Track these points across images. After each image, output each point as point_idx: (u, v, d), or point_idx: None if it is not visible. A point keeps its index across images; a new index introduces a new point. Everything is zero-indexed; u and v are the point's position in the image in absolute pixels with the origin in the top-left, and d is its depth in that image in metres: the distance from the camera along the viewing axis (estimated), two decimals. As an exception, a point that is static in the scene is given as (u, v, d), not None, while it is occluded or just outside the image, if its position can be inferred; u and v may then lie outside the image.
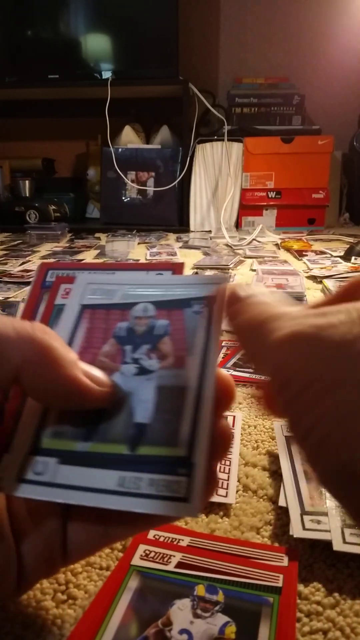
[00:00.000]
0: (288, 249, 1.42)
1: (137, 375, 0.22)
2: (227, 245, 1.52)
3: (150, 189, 1.90)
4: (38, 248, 1.50)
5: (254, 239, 1.61)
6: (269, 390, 0.19)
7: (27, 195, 2.08)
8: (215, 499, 0.34)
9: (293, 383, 0.16)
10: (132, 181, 1.90)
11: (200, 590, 0.26)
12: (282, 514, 0.33)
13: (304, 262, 1.19)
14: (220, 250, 1.41)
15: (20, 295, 0.92)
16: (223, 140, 1.86)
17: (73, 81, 1.90)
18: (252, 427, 0.44)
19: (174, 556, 0.28)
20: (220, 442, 0.21)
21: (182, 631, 0.24)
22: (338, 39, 2.06)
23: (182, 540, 0.30)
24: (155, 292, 0.24)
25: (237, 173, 1.89)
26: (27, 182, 2.08)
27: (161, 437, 0.20)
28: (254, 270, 1.11)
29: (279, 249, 1.48)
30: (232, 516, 0.33)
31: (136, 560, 0.28)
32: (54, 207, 1.93)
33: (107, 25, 1.91)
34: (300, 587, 0.27)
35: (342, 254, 1.27)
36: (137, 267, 0.27)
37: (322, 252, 1.33)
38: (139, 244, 1.55)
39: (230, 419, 0.45)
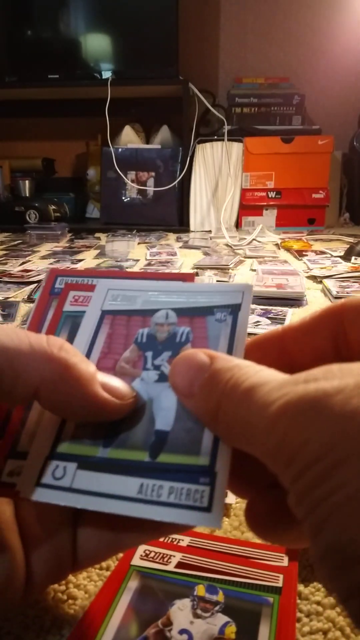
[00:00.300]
0: (288, 249, 1.42)
1: (158, 382, 0.22)
2: (227, 245, 1.52)
3: (150, 189, 1.90)
4: (38, 248, 1.50)
5: (254, 239, 1.61)
6: (269, 473, 0.17)
7: (27, 195, 2.08)
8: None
9: (299, 458, 0.15)
10: (132, 181, 1.90)
11: (200, 590, 0.26)
12: (282, 514, 0.33)
13: (304, 262, 1.19)
14: (220, 250, 1.41)
15: (20, 295, 0.92)
16: (223, 140, 1.86)
17: (73, 81, 1.90)
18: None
19: (174, 556, 0.28)
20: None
21: (182, 631, 0.24)
22: (338, 39, 2.06)
23: (182, 540, 0.30)
24: (177, 299, 0.24)
25: (237, 173, 1.89)
26: (27, 182, 2.08)
27: (183, 446, 0.20)
28: (254, 270, 1.11)
29: (279, 249, 1.48)
30: (232, 516, 0.33)
31: (136, 560, 0.28)
32: (54, 207, 1.93)
33: (107, 25, 1.91)
34: (300, 587, 0.27)
35: (342, 254, 1.27)
36: (148, 276, 0.27)
37: (322, 252, 1.33)
38: (139, 244, 1.55)
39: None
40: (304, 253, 1.32)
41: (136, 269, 1.17)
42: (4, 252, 1.44)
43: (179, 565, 0.28)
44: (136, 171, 1.90)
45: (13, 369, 0.19)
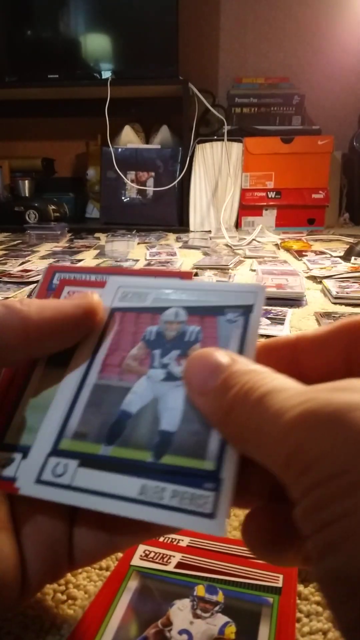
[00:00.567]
0: (288, 249, 1.42)
1: (164, 381, 0.22)
2: (227, 245, 1.51)
3: (150, 189, 1.90)
4: (38, 248, 1.50)
5: (253, 239, 1.61)
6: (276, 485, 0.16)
7: (27, 195, 2.08)
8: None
9: (314, 471, 0.14)
10: (132, 181, 1.90)
11: (200, 590, 0.26)
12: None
13: (304, 263, 1.19)
14: (220, 250, 1.41)
15: (20, 295, 0.92)
16: (223, 140, 1.86)
17: (73, 81, 1.90)
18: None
19: (174, 556, 0.28)
20: None
21: (182, 631, 0.24)
22: (338, 39, 2.06)
23: (182, 540, 0.30)
24: (188, 297, 0.24)
25: (237, 173, 1.89)
26: (26, 182, 2.08)
27: (188, 448, 0.20)
28: (254, 271, 1.11)
29: (279, 249, 1.48)
30: (232, 516, 0.33)
31: (136, 561, 0.28)
32: (53, 207, 1.93)
33: (107, 25, 1.91)
34: (300, 587, 0.27)
35: (342, 254, 1.27)
36: (144, 273, 0.27)
37: (322, 253, 1.33)
38: (138, 244, 1.55)
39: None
40: (303, 253, 1.32)
41: (136, 269, 1.17)
42: (4, 252, 1.44)
43: (179, 565, 0.28)
44: (136, 171, 1.90)
45: None
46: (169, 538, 0.30)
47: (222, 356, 0.19)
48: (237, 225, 1.93)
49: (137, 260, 1.26)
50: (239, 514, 0.33)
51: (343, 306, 0.83)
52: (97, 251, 1.42)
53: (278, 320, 0.74)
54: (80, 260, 1.28)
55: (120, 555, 0.29)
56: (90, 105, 1.87)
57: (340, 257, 1.24)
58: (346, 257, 1.22)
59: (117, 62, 1.92)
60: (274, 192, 1.91)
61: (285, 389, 0.16)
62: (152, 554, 0.28)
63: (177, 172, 1.87)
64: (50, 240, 1.64)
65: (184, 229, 1.89)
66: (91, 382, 0.23)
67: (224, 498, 0.18)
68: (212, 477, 0.19)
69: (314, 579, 0.15)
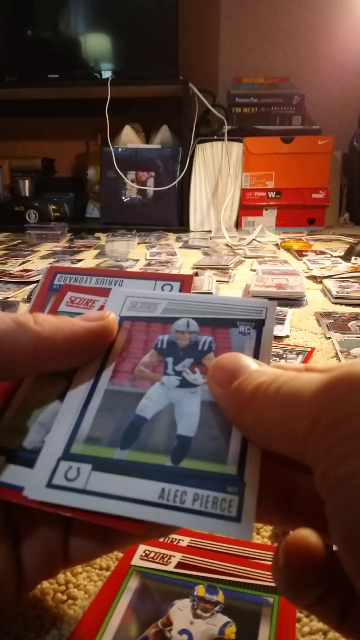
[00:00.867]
0: (288, 249, 1.42)
1: (179, 388, 0.22)
2: (227, 245, 1.51)
3: (150, 188, 1.90)
4: (38, 248, 1.50)
5: (253, 239, 1.61)
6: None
7: (27, 195, 2.08)
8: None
9: (342, 426, 0.15)
10: (132, 181, 1.90)
11: (200, 590, 0.26)
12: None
13: (304, 262, 1.19)
14: (220, 250, 1.41)
15: (20, 295, 0.92)
16: (223, 140, 1.86)
17: (73, 81, 1.90)
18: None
19: (174, 556, 0.28)
20: None
21: (182, 631, 0.24)
22: (338, 39, 2.06)
23: (182, 540, 0.30)
24: (198, 309, 0.24)
25: (237, 173, 1.89)
26: (27, 181, 2.08)
27: (208, 453, 0.20)
28: (254, 270, 1.11)
29: (279, 249, 1.48)
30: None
31: (136, 561, 0.28)
32: (53, 207, 1.93)
33: (107, 25, 1.91)
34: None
35: (342, 254, 1.27)
36: (145, 276, 0.27)
37: (322, 252, 1.33)
38: (138, 243, 1.55)
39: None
40: (303, 253, 1.32)
41: (136, 269, 1.17)
42: (4, 251, 1.44)
43: (179, 565, 0.28)
44: (136, 171, 1.90)
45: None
46: (169, 538, 0.30)
47: (252, 361, 0.20)
48: (237, 225, 1.93)
49: (137, 260, 1.26)
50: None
51: (343, 306, 0.83)
52: (97, 251, 1.42)
53: (278, 320, 0.74)
54: (80, 260, 1.28)
55: (120, 555, 0.29)
56: (91, 105, 1.87)
57: (340, 257, 1.24)
58: (346, 257, 1.22)
59: (117, 62, 1.92)
60: (274, 192, 1.91)
61: (306, 375, 0.17)
62: (152, 554, 0.28)
63: (177, 172, 1.87)
64: (51, 240, 1.64)
65: (184, 229, 1.89)
66: (102, 387, 0.23)
67: (248, 501, 0.18)
68: (235, 481, 0.19)
69: (333, 540, 0.15)
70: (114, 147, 1.87)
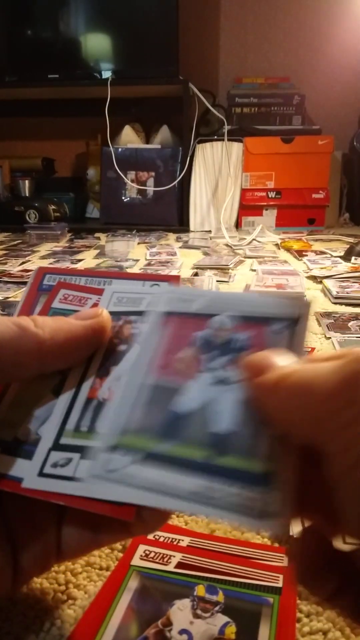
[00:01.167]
0: (288, 249, 1.42)
1: (214, 385, 0.22)
2: (227, 245, 1.51)
3: (150, 188, 1.90)
4: (38, 248, 1.50)
5: (254, 239, 1.61)
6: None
7: (27, 195, 2.08)
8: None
9: (357, 405, 0.15)
10: (132, 181, 1.90)
11: (200, 590, 0.26)
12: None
13: (304, 262, 1.19)
14: (220, 250, 1.41)
15: (20, 295, 0.92)
16: (223, 140, 1.86)
17: (73, 81, 1.90)
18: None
19: (174, 556, 0.28)
20: None
21: (182, 631, 0.24)
22: (338, 39, 2.06)
23: (182, 540, 0.30)
24: (234, 306, 0.24)
25: (237, 173, 1.89)
26: (27, 181, 2.08)
27: (241, 450, 0.20)
28: (254, 270, 1.11)
29: (279, 249, 1.47)
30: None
31: (136, 561, 0.28)
32: (53, 207, 1.93)
33: (107, 25, 1.91)
34: (300, 587, 0.27)
35: (342, 254, 1.27)
36: (132, 277, 0.27)
37: (322, 252, 1.33)
38: (138, 244, 1.55)
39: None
40: (304, 253, 1.32)
41: (136, 269, 1.17)
42: (4, 251, 1.44)
43: (179, 565, 0.28)
44: (136, 171, 1.90)
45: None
46: (169, 538, 0.30)
47: (281, 355, 0.20)
48: (237, 225, 1.93)
49: (137, 260, 1.26)
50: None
51: (343, 306, 0.83)
52: (97, 251, 1.42)
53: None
54: (80, 260, 1.28)
55: (120, 555, 0.29)
56: (90, 105, 1.87)
57: (340, 257, 1.24)
58: (346, 257, 1.22)
59: (117, 62, 1.91)
60: (274, 192, 1.91)
61: (325, 363, 0.17)
62: (152, 554, 0.28)
63: (177, 172, 1.87)
64: (51, 240, 1.64)
65: (184, 229, 1.89)
66: (145, 382, 0.23)
67: (284, 498, 0.19)
68: (270, 478, 0.19)
69: (345, 526, 0.15)
70: (114, 147, 1.87)
